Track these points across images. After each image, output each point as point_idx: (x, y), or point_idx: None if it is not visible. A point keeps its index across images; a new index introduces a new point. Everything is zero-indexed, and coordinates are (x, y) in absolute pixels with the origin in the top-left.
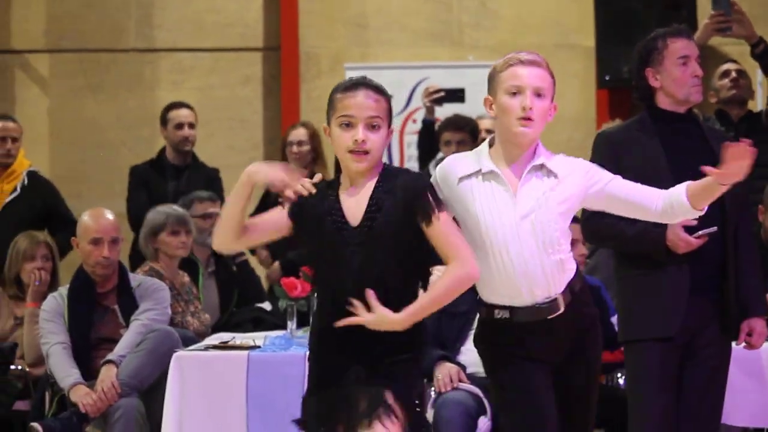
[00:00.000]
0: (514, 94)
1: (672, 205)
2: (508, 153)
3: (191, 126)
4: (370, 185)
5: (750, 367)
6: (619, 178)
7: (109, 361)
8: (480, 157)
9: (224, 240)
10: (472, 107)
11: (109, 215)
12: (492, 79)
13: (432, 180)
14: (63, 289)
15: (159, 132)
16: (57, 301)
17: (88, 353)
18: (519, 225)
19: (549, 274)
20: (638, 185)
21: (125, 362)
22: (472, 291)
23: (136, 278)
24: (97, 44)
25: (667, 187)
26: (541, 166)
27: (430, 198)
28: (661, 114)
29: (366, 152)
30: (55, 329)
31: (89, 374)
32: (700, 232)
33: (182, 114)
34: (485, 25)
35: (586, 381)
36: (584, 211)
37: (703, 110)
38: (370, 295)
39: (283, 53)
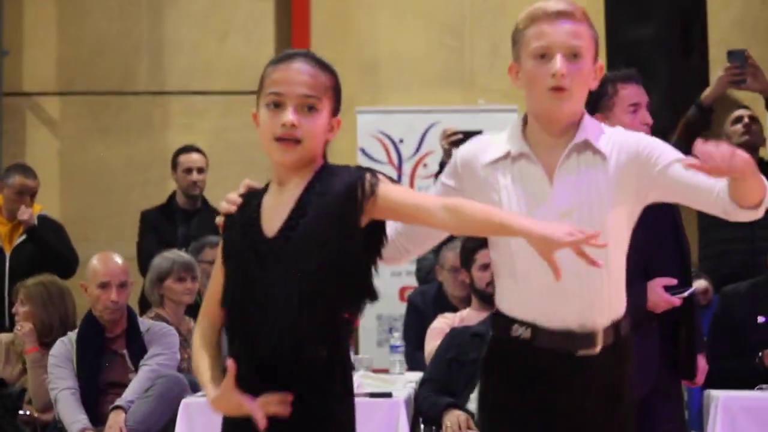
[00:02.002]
0: (542, 57)
1: (726, 205)
2: (543, 131)
3: (201, 171)
4: (300, 185)
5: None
6: (681, 162)
7: (118, 407)
8: (511, 136)
9: None
10: None
11: (118, 259)
12: (515, 40)
13: (449, 166)
14: (72, 334)
15: (170, 175)
16: (66, 345)
17: (96, 398)
18: (557, 222)
19: (589, 297)
20: (695, 178)
21: (134, 408)
22: (482, 340)
23: (145, 323)
24: (107, 87)
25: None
26: (585, 144)
27: (373, 176)
28: None
29: (297, 141)
30: (63, 374)
31: (98, 419)
32: (686, 293)
33: (192, 158)
34: (497, 70)
35: None
36: None
37: None
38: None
39: None
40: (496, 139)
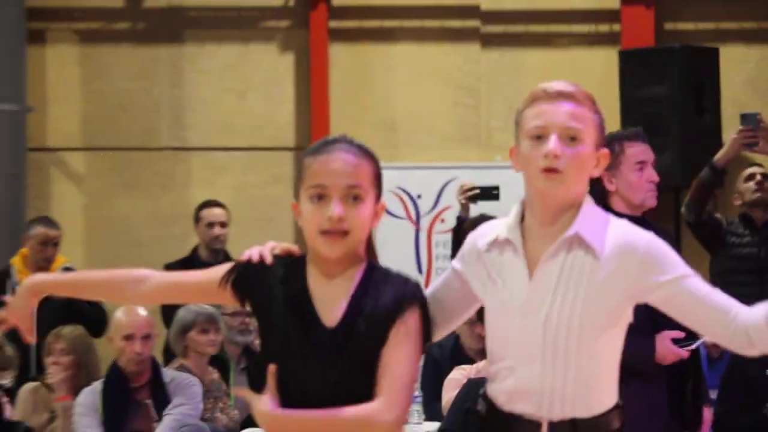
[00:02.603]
0: (539, 138)
1: (748, 338)
2: (536, 219)
3: (223, 225)
4: (351, 279)
5: None
6: (690, 279)
7: None
8: (509, 221)
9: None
10: (506, 205)
11: (142, 311)
12: (517, 122)
13: (461, 249)
14: (98, 384)
15: (192, 229)
16: (92, 395)
17: None
18: (525, 317)
19: (560, 394)
20: (712, 297)
21: None
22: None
23: (169, 373)
24: (130, 143)
25: None
26: (577, 239)
27: (413, 313)
28: (616, 217)
29: (344, 233)
30: (89, 423)
31: None
32: (693, 346)
33: (214, 213)
34: (512, 128)
35: None
36: None
37: (726, 213)
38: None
39: None
40: (498, 222)
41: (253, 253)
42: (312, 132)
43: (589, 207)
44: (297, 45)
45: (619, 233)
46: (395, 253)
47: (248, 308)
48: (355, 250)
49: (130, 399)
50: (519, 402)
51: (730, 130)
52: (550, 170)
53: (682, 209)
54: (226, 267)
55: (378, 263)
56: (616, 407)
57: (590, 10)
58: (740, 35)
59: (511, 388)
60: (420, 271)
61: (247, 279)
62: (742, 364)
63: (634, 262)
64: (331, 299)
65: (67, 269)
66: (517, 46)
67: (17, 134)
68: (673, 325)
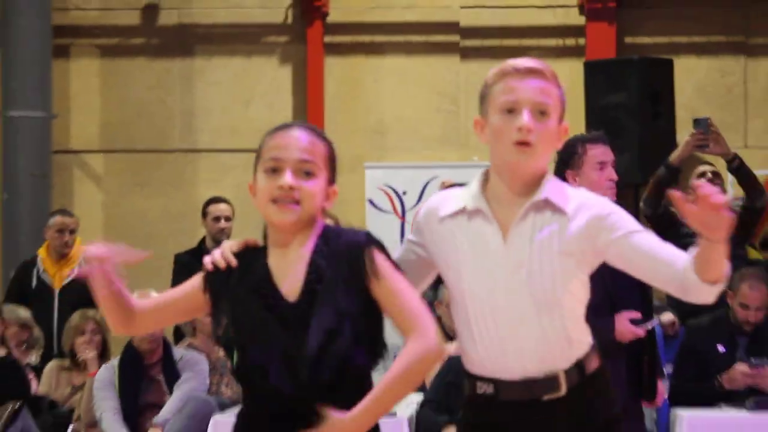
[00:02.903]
0: (509, 111)
1: (685, 280)
2: (504, 188)
3: (227, 219)
4: (306, 248)
5: None
6: (639, 234)
7: (156, 425)
8: (471, 192)
9: (112, 325)
10: None
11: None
12: (483, 96)
13: (414, 222)
14: (114, 361)
15: (200, 223)
16: (109, 371)
17: (136, 417)
18: (509, 278)
19: (547, 343)
20: (659, 249)
21: (169, 426)
22: None
23: (178, 351)
24: (145, 146)
25: (596, 278)
26: (545, 203)
27: (378, 254)
28: None
29: (296, 202)
30: (107, 396)
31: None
32: (649, 326)
33: (220, 208)
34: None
35: None
36: None
37: None
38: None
39: None
40: (456, 194)
41: (214, 259)
42: None
43: (551, 177)
44: (295, 58)
45: (579, 197)
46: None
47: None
48: (307, 221)
49: (144, 375)
50: (506, 363)
51: (684, 133)
52: (522, 143)
53: (641, 204)
54: (198, 277)
55: (330, 226)
56: (593, 348)
57: (558, 26)
58: (692, 48)
59: (498, 353)
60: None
61: (213, 284)
62: (695, 341)
63: (593, 221)
64: (289, 269)
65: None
66: (492, 58)
67: (43, 138)
68: (629, 307)
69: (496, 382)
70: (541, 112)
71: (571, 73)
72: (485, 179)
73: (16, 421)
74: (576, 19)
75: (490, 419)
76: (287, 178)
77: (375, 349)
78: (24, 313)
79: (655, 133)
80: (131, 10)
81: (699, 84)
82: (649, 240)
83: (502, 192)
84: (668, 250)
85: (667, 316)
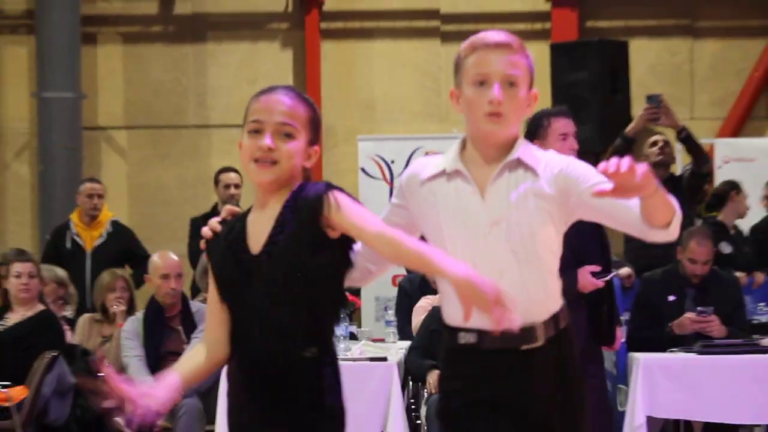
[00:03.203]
0: (481, 84)
1: (643, 225)
2: (479, 153)
3: (237, 186)
4: (279, 204)
5: (753, 372)
6: (605, 184)
7: None
8: (450, 157)
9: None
10: None
11: (174, 256)
12: (457, 68)
13: (397, 186)
14: (139, 314)
15: (213, 190)
16: (135, 323)
17: (158, 363)
18: (489, 232)
19: (527, 294)
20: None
21: None
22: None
23: (195, 305)
24: (164, 122)
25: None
26: (518, 162)
27: (338, 193)
28: None
29: (273, 162)
30: (133, 345)
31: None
32: (607, 278)
33: (230, 177)
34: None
35: None
36: None
37: None
38: None
39: None
40: (436, 159)
41: (204, 231)
42: None
43: (522, 140)
44: (295, 43)
45: (548, 156)
46: (373, 208)
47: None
48: (285, 180)
49: (165, 326)
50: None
51: (638, 107)
52: (493, 114)
53: None
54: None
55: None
56: (564, 308)
57: (527, 12)
58: (645, 31)
59: None
60: None
61: (209, 252)
62: (649, 292)
63: (562, 176)
64: (262, 226)
65: (114, 222)
66: None
67: (74, 116)
68: (590, 261)
69: (479, 332)
70: (510, 84)
71: (538, 55)
72: (463, 145)
73: (53, 368)
74: (542, 5)
75: (469, 368)
76: (266, 141)
77: (335, 297)
78: (60, 271)
79: (613, 107)
80: (150, 1)
81: (651, 63)
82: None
83: (477, 156)
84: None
85: (624, 270)
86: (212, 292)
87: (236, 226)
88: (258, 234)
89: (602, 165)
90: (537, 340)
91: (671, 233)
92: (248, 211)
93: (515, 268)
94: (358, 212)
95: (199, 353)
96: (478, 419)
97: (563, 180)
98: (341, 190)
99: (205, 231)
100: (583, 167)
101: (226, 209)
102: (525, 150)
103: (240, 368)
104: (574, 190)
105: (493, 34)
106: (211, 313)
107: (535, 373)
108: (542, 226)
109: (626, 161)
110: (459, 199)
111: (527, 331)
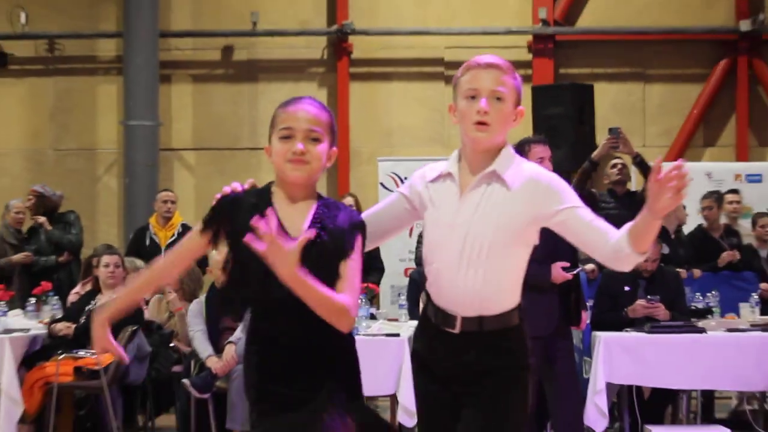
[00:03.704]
0: (472, 98)
1: (618, 250)
2: (469, 160)
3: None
4: (309, 203)
5: (691, 348)
6: (581, 209)
7: (230, 342)
8: (450, 162)
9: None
10: None
11: None
12: (455, 86)
13: (409, 180)
14: (202, 297)
15: None
16: (199, 304)
17: (217, 337)
18: (452, 230)
19: (471, 293)
20: (595, 223)
21: (240, 342)
22: None
23: None
24: (223, 145)
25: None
26: (493, 174)
27: (360, 237)
28: None
29: (306, 162)
30: (197, 322)
31: (217, 350)
32: (575, 272)
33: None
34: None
35: (480, 428)
36: None
37: (598, 189)
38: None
39: (339, 150)
40: (441, 164)
41: (225, 189)
42: (338, 140)
43: (507, 152)
44: (329, 84)
45: (529, 171)
46: None
47: (222, 244)
48: (314, 178)
49: (222, 307)
50: (441, 297)
51: (601, 137)
52: (480, 123)
53: (571, 187)
54: (200, 230)
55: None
56: (517, 308)
57: (513, 60)
58: (606, 77)
59: (437, 285)
60: (410, 235)
61: (221, 213)
62: (608, 283)
63: (540, 192)
64: (294, 218)
65: (184, 224)
66: None
67: (153, 140)
68: (561, 258)
69: (435, 307)
70: (497, 98)
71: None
72: (460, 152)
73: (133, 338)
74: (525, 56)
75: (427, 334)
76: (299, 145)
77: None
78: (139, 263)
79: (581, 136)
80: (214, 50)
81: (611, 102)
82: (588, 214)
83: (468, 162)
84: (603, 223)
85: (589, 266)
86: (194, 239)
87: (260, 203)
88: (292, 220)
89: (678, 165)
90: (454, 328)
91: (634, 263)
92: (268, 192)
93: (458, 266)
94: (356, 281)
95: (138, 285)
96: (418, 370)
97: (543, 194)
98: (365, 232)
99: (229, 188)
100: (566, 188)
101: (249, 182)
102: (504, 161)
103: (271, 343)
104: (552, 207)
105: (486, 57)
106: (180, 254)
107: (459, 356)
108: (500, 235)
109: (683, 181)
110: (444, 197)
111: (449, 317)
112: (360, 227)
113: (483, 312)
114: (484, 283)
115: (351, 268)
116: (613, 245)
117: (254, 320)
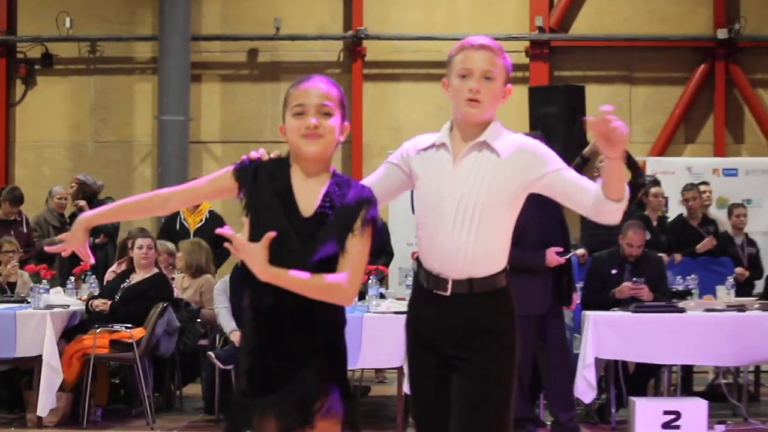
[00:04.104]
0: (464, 76)
1: (598, 203)
2: (461, 132)
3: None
4: (323, 179)
5: (673, 326)
6: (565, 170)
7: None
8: (441, 134)
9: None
10: None
11: None
12: (448, 64)
13: (398, 150)
14: (227, 277)
15: None
16: (224, 283)
17: (240, 314)
18: (445, 195)
19: (462, 255)
20: (580, 182)
21: None
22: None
23: None
24: (248, 138)
25: (533, 225)
26: (484, 144)
27: (366, 211)
28: None
29: (319, 136)
30: (222, 299)
31: (241, 325)
32: (567, 256)
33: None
34: None
35: (470, 391)
36: None
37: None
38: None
39: (353, 144)
40: (432, 135)
41: (251, 153)
42: (352, 135)
43: (495, 125)
44: (344, 84)
45: (515, 140)
46: (398, 202)
47: (242, 198)
48: (328, 151)
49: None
50: (434, 261)
51: (592, 134)
52: (472, 100)
53: None
54: (229, 168)
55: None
56: (503, 271)
57: (512, 64)
58: (596, 79)
59: (429, 249)
60: (413, 212)
61: (245, 173)
62: (597, 267)
63: (526, 158)
64: (308, 194)
65: (212, 212)
66: None
67: (184, 133)
68: (555, 244)
69: (428, 273)
70: (487, 78)
71: (520, 95)
72: (451, 126)
73: (164, 314)
74: (523, 59)
75: (421, 300)
76: (312, 120)
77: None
78: (170, 245)
79: (573, 133)
80: (240, 52)
81: (601, 102)
82: (573, 174)
83: (459, 134)
84: (587, 181)
85: (580, 251)
86: (225, 180)
87: (277, 174)
88: (305, 198)
89: (603, 109)
90: (446, 290)
91: (618, 212)
92: (286, 164)
93: (452, 230)
94: (358, 256)
95: (150, 198)
96: (410, 335)
97: (530, 159)
98: (375, 207)
99: (255, 154)
100: (550, 152)
101: (275, 153)
102: (493, 133)
103: (266, 311)
104: (539, 170)
105: (478, 38)
106: (194, 189)
107: (448, 320)
108: (492, 200)
109: (617, 120)
110: (438, 165)
111: (441, 280)
112: (367, 202)
113: (473, 274)
114: (475, 245)
115: (354, 243)
116: (594, 201)
117: (252, 294)
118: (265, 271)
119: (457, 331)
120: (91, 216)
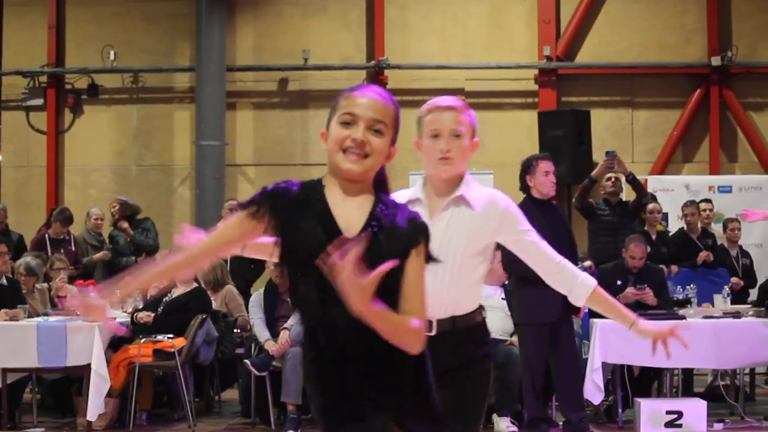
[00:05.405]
0: (435, 136)
1: (571, 290)
2: (435, 187)
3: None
4: (366, 199)
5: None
6: (531, 234)
7: (285, 328)
8: (415, 189)
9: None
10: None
11: None
12: (418, 124)
13: None
14: (261, 291)
15: None
16: (259, 296)
17: (273, 324)
18: None
19: (444, 301)
20: (543, 252)
21: (293, 329)
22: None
23: None
24: (279, 161)
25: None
26: (460, 198)
27: (424, 242)
28: (534, 200)
29: (365, 155)
30: (256, 311)
31: (274, 335)
32: None
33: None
34: (479, 153)
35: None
36: (509, 253)
37: (596, 198)
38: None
39: None
40: (408, 191)
41: (278, 184)
42: None
43: (468, 178)
44: None
45: (488, 195)
46: None
47: (273, 233)
48: (371, 173)
49: (278, 297)
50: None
51: (597, 155)
52: (443, 158)
53: (574, 200)
54: (245, 209)
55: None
56: (479, 308)
57: (522, 90)
58: (601, 104)
59: None
60: None
61: (274, 202)
62: (603, 277)
63: (497, 214)
64: (350, 215)
65: None
66: (485, 110)
67: (220, 157)
68: (563, 256)
69: None
70: (455, 136)
71: (530, 119)
72: (425, 181)
73: (203, 325)
74: (533, 86)
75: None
76: (360, 132)
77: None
78: None
79: (580, 154)
80: (272, 82)
81: (605, 125)
82: (536, 237)
83: (433, 189)
84: (548, 248)
85: (587, 263)
86: (244, 223)
87: (312, 195)
88: (347, 219)
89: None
90: (431, 331)
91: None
92: (318, 184)
93: (438, 280)
94: (418, 281)
95: (174, 260)
96: None
97: (500, 216)
98: (428, 235)
99: (283, 184)
100: (515, 211)
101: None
102: (467, 187)
103: (327, 335)
104: (509, 228)
105: (444, 99)
106: (224, 236)
107: (438, 352)
108: (465, 249)
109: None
110: None
111: (446, 321)
112: (424, 231)
113: (455, 313)
114: (457, 289)
115: (416, 278)
116: (569, 282)
117: (310, 332)
118: (366, 309)
119: (439, 365)
120: (120, 292)
